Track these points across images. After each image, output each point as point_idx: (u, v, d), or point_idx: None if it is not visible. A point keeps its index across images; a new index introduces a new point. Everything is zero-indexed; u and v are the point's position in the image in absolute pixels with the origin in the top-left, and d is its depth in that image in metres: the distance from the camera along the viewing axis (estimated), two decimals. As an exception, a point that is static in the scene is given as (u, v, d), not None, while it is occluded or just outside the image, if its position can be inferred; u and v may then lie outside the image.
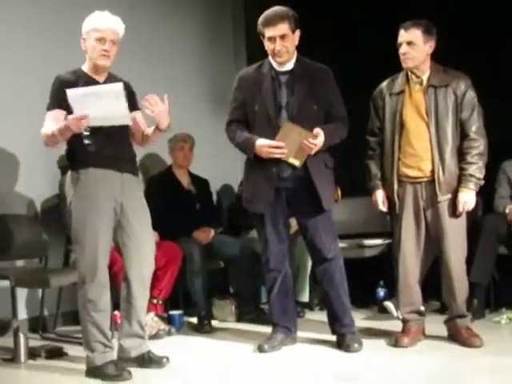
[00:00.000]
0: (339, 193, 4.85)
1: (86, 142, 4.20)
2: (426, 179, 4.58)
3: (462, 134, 4.56)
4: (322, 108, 4.60)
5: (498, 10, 5.78)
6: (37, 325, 5.29)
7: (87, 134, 4.15)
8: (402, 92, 4.63)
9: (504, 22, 5.77)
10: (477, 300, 5.24)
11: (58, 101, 4.19)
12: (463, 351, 4.48)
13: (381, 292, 5.81)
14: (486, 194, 5.26)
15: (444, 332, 4.74)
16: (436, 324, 4.84)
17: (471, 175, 4.53)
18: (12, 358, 4.59)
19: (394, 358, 4.42)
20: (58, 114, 4.19)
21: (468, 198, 4.54)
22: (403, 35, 4.58)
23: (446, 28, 4.76)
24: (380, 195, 4.75)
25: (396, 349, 4.58)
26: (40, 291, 5.31)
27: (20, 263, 5.37)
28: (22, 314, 5.25)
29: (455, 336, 4.65)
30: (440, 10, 5.53)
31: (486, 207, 5.60)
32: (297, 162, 4.51)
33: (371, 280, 5.80)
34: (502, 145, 5.22)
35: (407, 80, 4.65)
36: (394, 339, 4.68)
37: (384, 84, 4.76)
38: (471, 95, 4.56)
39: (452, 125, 4.54)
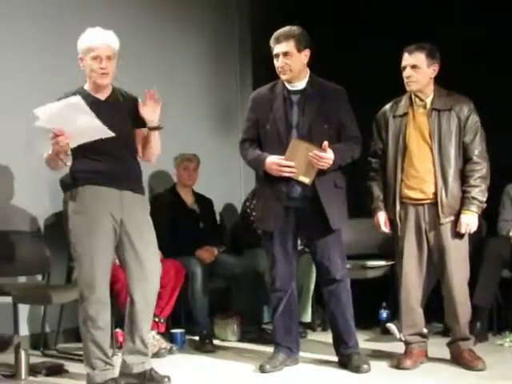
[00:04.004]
0: None
1: (85, 159, 4.18)
2: (428, 201, 4.58)
3: (465, 157, 4.57)
4: (334, 128, 4.58)
5: (501, 35, 5.78)
6: (38, 341, 5.28)
7: (69, 153, 4.09)
8: (405, 114, 4.64)
9: (508, 47, 5.78)
10: (480, 323, 5.21)
11: None
12: (466, 374, 4.46)
13: (384, 313, 5.78)
14: (490, 217, 5.26)
15: (447, 354, 4.72)
16: (439, 346, 4.83)
17: (474, 198, 4.52)
18: (13, 374, 4.58)
19: (396, 379, 4.40)
20: None
21: (470, 221, 4.53)
22: (407, 59, 4.59)
23: (451, 52, 4.77)
24: (382, 217, 4.74)
25: (398, 371, 4.56)
26: (42, 308, 5.30)
27: (22, 279, 5.36)
28: (24, 330, 5.23)
29: (458, 359, 4.63)
30: (444, 35, 5.54)
31: (489, 230, 5.59)
32: (307, 180, 4.48)
33: (374, 301, 5.77)
34: (506, 168, 5.24)
35: (411, 103, 4.66)
36: (396, 361, 4.67)
37: (387, 106, 4.77)
38: (474, 119, 4.57)
39: (455, 148, 4.55)
